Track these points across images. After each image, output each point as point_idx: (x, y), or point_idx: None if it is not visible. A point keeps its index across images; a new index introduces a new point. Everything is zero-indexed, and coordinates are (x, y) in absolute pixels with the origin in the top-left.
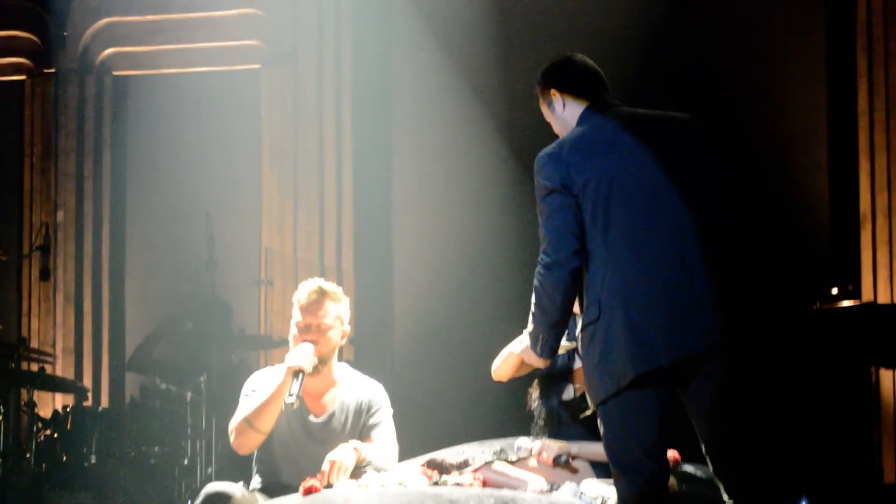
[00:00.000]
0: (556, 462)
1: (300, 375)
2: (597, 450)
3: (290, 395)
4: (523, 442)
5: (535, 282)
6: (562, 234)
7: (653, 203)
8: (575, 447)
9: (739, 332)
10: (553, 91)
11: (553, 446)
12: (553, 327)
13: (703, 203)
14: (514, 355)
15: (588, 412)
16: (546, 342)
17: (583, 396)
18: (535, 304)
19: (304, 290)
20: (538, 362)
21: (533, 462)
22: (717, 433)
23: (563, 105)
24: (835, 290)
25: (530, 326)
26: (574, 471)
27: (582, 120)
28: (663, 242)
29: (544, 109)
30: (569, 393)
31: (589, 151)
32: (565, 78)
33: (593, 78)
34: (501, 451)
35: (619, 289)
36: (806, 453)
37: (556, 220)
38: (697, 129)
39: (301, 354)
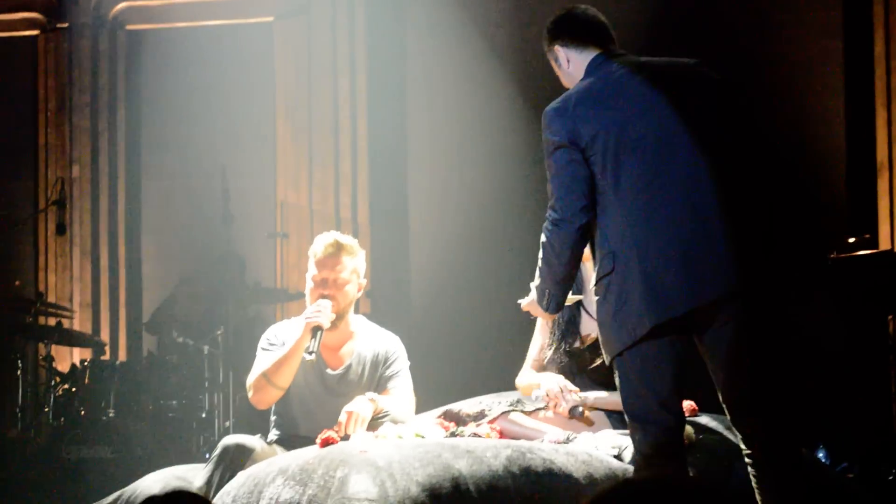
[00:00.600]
0: (573, 414)
1: (318, 332)
2: (612, 399)
3: (310, 352)
4: (539, 392)
5: (543, 238)
6: (569, 190)
7: (663, 151)
8: (591, 397)
9: (754, 278)
10: (557, 45)
11: (569, 397)
12: (559, 283)
13: (714, 149)
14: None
15: (596, 363)
16: (552, 297)
17: (589, 347)
18: (542, 260)
19: (321, 243)
20: (545, 316)
21: (549, 413)
22: (733, 382)
23: (568, 58)
24: (852, 239)
25: (537, 281)
26: (590, 422)
27: (588, 71)
28: (675, 191)
29: (553, 65)
30: (576, 344)
31: (596, 103)
32: (568, 30)
33: (597, 28)
34: (518, 401)
35: (633, 240)
36: (823, 403)
37: (563, 175)
38: (705, 75)
39: (319, 310)
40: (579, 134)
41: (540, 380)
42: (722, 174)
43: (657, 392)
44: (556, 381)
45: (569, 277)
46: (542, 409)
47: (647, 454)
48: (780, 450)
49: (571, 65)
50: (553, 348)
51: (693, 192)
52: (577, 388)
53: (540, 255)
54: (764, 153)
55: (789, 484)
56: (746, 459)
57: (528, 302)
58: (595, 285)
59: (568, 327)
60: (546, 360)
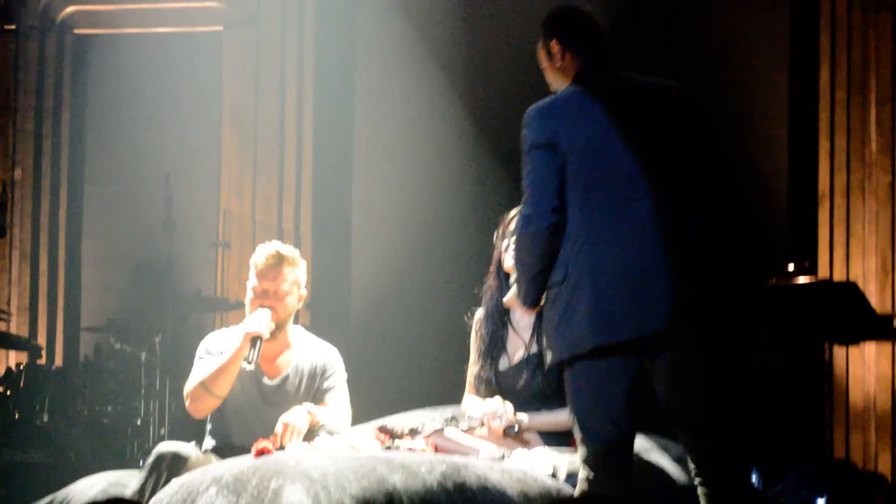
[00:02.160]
0: (507, 433)
1: (258, 342)
2: (550, 419)
3: (249, 361)
4: (474, 412)
5: (516, 233)
6: (542, 188)
7: (637, 177)
8: (525, 418)
9: (707, 316)
10: (554, 42)
11: (504, 416)
12: (532, 280)
13: (689, 184)
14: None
15: (522, 382)
16: (528, 294)
17: (517, 366)
18: (515, 256)
19: (262, 253)
20: (523, 310)
21: (483, 430)
22: (684, 405)
23: (563, 58)
24: (791, 266)
25: (514, 275)
26: (525, 442)
27: (579, 77)
28: (641, 219)
29: (541, 58)
30: (504, 363)
31: (581, 115)
32: (570, 31)
33: (597, 35)
34: (452, 418)
35: (589, 258)
36: (758, 427)
37: (537, 174)
38: (692, 102)
39: (258, 320)
40: (559, 139)
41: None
42: (691, 211)
43: (606, 407)
44: (497, 401)
45: (542, 274)
46: (477, 426)
47: (592, 467)
48: (729, 471)
49: (565, 63)
50: (479, 366)
51: (659, 224)
52: (517, 415)
53: (513, 251)
54: (728, 189)
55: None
56: (696, 479)
57: (509, 297)
58: (546, 290)
59: (491, 345)
60: (475, 379)
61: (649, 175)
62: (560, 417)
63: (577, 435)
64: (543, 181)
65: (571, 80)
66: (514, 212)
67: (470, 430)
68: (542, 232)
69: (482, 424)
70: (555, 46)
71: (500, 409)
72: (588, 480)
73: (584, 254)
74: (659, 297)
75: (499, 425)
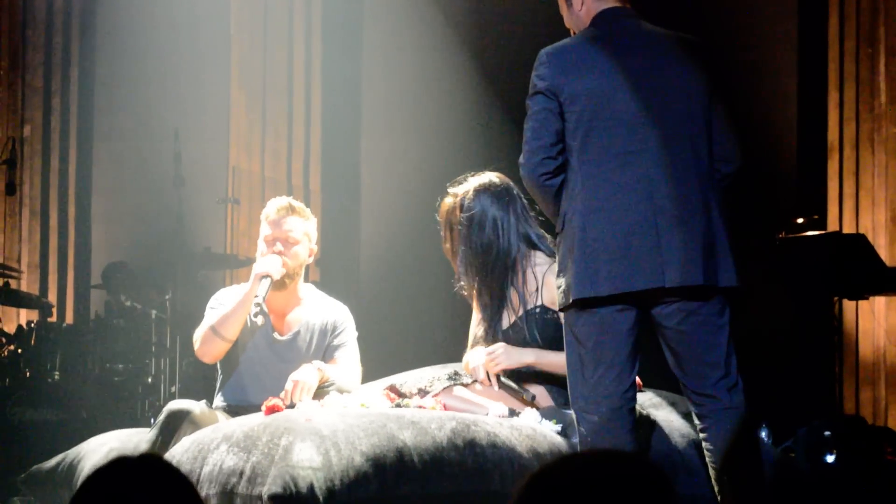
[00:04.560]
0: (501, 385)
1: (267, 281)
2: (554, 359)
3: (257, 296)
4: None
5: None
6: (536, 137)
7: (638, 132)
8: (531, 356)
9: (697, 278)
10: None
11: (501, 355)
12: (555, 216)
13: (692, 140)
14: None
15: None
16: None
17: (520, 320)
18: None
19: (273, 205)
20: (484, 380)
21: (494, 387)
22: (682, 368)
23: (583, 1)
24: (800, 220)
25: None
26: (526, 401)
27: (596, 22)
28: (637, 174)
29: (560, 2)
30: (506, 321)
31: (590, 61)
32: None
33: None
34: (456, 373)
35: (582, 211)
36: (767, 382)
37: (534, 121)
38: (706, 57)
39: (269, 262)
40: (562, 88)
41: (468, 357)
42: (690, 169)
43: (601, 359)
44: (479, 353)
45: (554, 213)
46: (476, 381)
47: (594, 425)
48: (734, 426)
49: (584, 9)
50: (486, 324)
51: (653, 180)
52: (519, 352)
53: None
54: (733, 148)
55: (743, 460)
56: (701, 435)
57: (468, 366)
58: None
59: (498, 307)
60: (479, 338)
61: (650, 129)
62: (560, 357)
63: (570, 386)
64: (537, 130)
65: (589, 25)
66: (447, 199)
67: (472, 385)
68: (536, 179)
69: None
70: None
71: (498, 349)
72: (583, 437)
73: (577, 205)
74: (645, 253)
75: (482, 376)
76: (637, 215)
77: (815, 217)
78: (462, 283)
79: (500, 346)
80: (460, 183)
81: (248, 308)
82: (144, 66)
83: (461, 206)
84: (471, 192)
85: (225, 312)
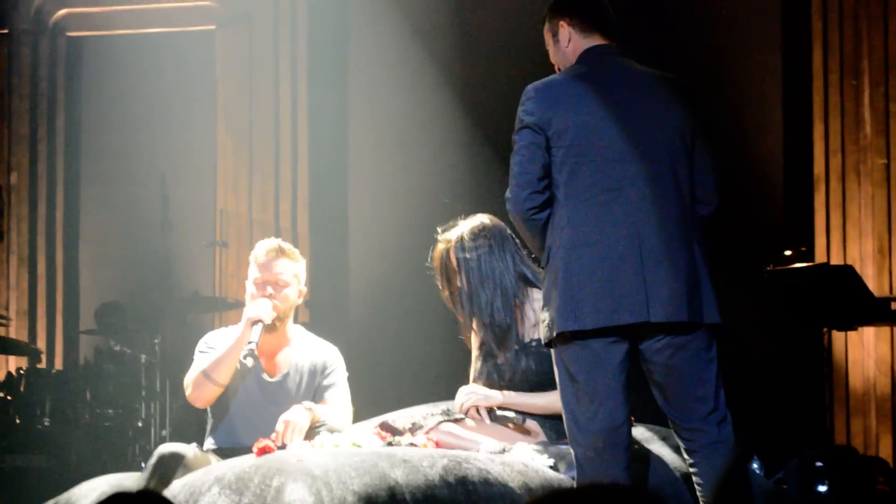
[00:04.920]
0: (493, 419)
1: (259, 326)
2: (528, 400)
3: (251, 342)
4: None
5: None
6: (523, 171)
7: (624, 168)
8: (499, 396)
9: (682, 314)
10: (562, 22)
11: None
12: (540, 250)
13: (675, 179)
14: None
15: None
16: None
17: (514, 357)
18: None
19: (262, 248)
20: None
21: (487, 422)
22: (672, 398)
23: (570, 39)
24: (788, 252)
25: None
26: (526, 432)
27: (582, 59)
28: (623, 210)
29: (547, 38)
30: (503, 356)
31: (576, 98)
32: (581, 11)
33: (607, 17)
34: (447, 410)
35: (567, 245)
36: (758, 414)
37: (521, 156)
38: (689, 96)
39: (260, 306)
40: (550, 123)
41: (462, 389)
42: (675, 206)
43: (592, 393)
44: (467, 389)
45: (540, 248)
46: (462, 416)
47: (581, 458)
48: (724, 460)
49: (571, 46)
50: (481, 361)
51: (639, 217)
52: (487, 392)
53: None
54: (715, 186)
55: (734, 493)
56: (690, 469)
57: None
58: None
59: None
60: (477, 374)
61: (636, 165)
62: (542, 400)
63: (566, 422)
64: (524, 165)
65: (575, 62)
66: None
67: (462, 422)
68: (524, 213)
69: (465, 413)
70: (563, 28)
71: (465, 390)
72: (580, 474)
73: (562, 239)
74: (630, 288)
75: (468, 405)
76: (622, 250)
77: (803, 249)
78: (461, 325)
79: (466, 388)
80: (451, 228)
81: (239, 352)
82: (130, 110)
83: (457, 250)
84: (465, 236)
85: (216, 357)
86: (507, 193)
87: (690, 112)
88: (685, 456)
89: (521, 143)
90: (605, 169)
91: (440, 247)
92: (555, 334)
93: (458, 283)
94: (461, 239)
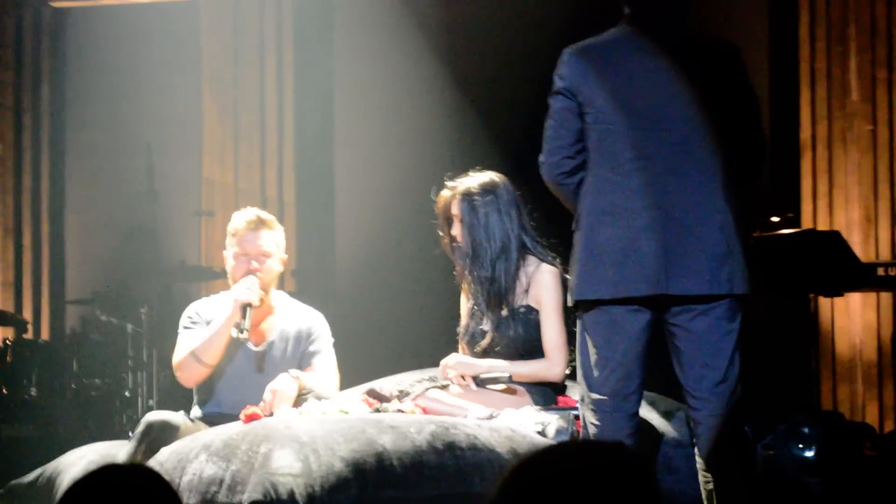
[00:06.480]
0: (479, 384)
1: (248, 309)
2: (510, 369)
3: (241, 330)
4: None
5: None
6: (555, 136)
7: (653, 137)
8: (485, 365)
9: (702, 286)
10: None
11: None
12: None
13: (709, 147)
14: None
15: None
16: None
17: (502, 321)
18: None
19: (241, 219)
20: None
21: (474, 387)
22: (686, 362)
23: None
24: (775, 218)
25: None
26: (513, 392)
27: (625, 21)
28: (647, 179)
29: None
30: (493, 318)
31: (611, 63)
32: None
33: None
34: (434, 377)
35: (591, 211)
36: (745, 380)
37: (553, 120)
38: (735, 63)
39: (247, 288)
40: (581, 89)
41: (445, 360)
42: (704, 175)
43: (607, 360)
44: (452, 357)
45: (574, 211)
46: (447, 383)
47: (590, 420)
48: (727, 431)
49: None
50: (466, 324)
51: (666, 187)
52: (472, 360)
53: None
54: (760, 164)
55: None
56: (695, 437)
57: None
58: None
59: (488, 303)
60: (463, 337)
61: (666, 134)
62: (527, 369)
63: (580, 385)
64: (555, 129)
65: (622, 20)
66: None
67: (447, 388)
68: (555, 178)
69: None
70: None
71: (450, 361)
72: (584, 433)
73: (587, 206)
74: (650, 259)
75: (452, 375)
76: (644, 221)
77: (790, 215)
78: (458, 273)
79: (451, 358)
80: (460, 177)
81: (227, 334)
82: (115, 81)
83: (463, 200)
84: (474, 188)
85: (206, 338)
86: (540, 157)
87: (728, 78)
88: (692, 425)
89: (554, 108)
90: (632, 138)
91: (445, 194)
92: (575, 301)
93: (459, 234)
94: (469, 190)
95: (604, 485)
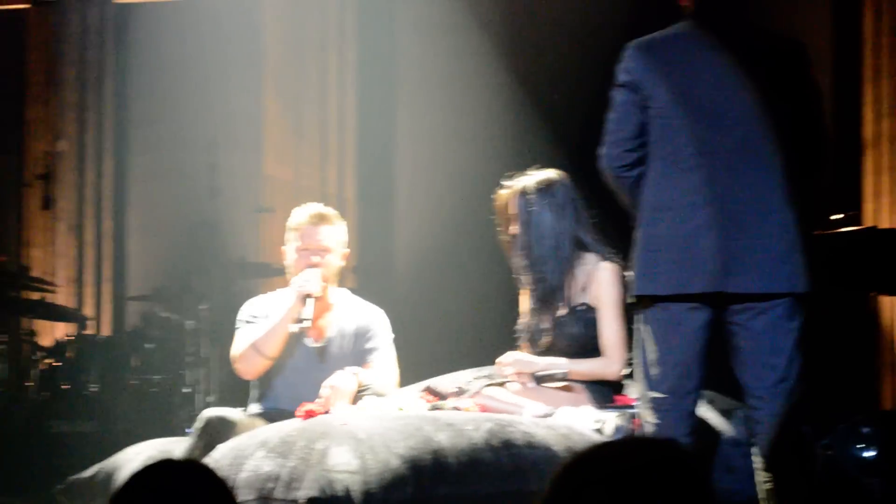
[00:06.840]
0: (540, 382)
1: (309, 301)
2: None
3: (306, 320)
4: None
5: None
6: (617, 129)
7: (713, 133)
8: (542, 363)
9: (760, 285)
10: None
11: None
12: (633, 208)
13: (771, 145)
14: None
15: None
16: None
17: (561, 319)
18: None
19: (303, 214)
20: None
21: (530, 384)
22: (746, 361)
23: None
24: (837, 216)
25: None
26: (570, 390)
27: (693, 15)
28: (707, 176)
29: None
30: (552, 316)
31: (676, 59)
32: None
33: None
34: (492, 374)
35: (650, 207)
36: (806, 380)
37: (616, 113)
38: (802, 61)
39: (308, 280)
40: (643, 84)
41: (503, 357)
42: (764, 172)
43: (667, 356)
44: (510, 354)
45: (632, 205)
46: (504, 381)
47: (649, 417)
48: (786, 431)
49: None
50: (527, 321)
51: (725, 184)
52: (531, 358)
53: None
54: (821, 167)
55: (793, 465)
56: (754, 437)
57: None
58: None
59: (546, 301)
60: (523, 334)
61: (727, 131)
62: (585, 367)
63: (638, 383)
64: (618, 123)
65: (685, 17)
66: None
67: (505, 385)
68: (614, 171)
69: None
70: None
71: (508, 359)
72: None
73: (647, 201)
74: (708, 257)
75: (511, 372)
76: (703, 218)
77: (852, 213)
78: (516, 271)
79: (508, 355)
80: (519, 176)
81: (288, 326)
82: (178, 77)
83: (519, 199)
84: (530, 188)
85: (267, 330)
86: (601, 150)
87: (792, 75)
88: (751, 424)
89: (617, 101)
90: (694, 133)
91: (503, 192)
92: (635, 297)
93: (515, 233)
94: (525, 189)
95: (655, 482)
